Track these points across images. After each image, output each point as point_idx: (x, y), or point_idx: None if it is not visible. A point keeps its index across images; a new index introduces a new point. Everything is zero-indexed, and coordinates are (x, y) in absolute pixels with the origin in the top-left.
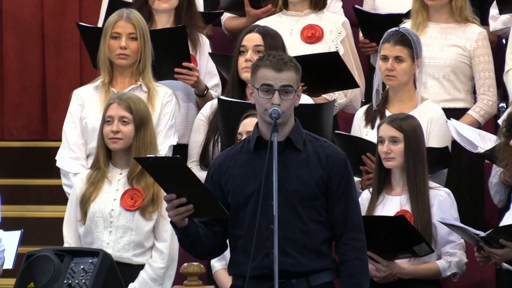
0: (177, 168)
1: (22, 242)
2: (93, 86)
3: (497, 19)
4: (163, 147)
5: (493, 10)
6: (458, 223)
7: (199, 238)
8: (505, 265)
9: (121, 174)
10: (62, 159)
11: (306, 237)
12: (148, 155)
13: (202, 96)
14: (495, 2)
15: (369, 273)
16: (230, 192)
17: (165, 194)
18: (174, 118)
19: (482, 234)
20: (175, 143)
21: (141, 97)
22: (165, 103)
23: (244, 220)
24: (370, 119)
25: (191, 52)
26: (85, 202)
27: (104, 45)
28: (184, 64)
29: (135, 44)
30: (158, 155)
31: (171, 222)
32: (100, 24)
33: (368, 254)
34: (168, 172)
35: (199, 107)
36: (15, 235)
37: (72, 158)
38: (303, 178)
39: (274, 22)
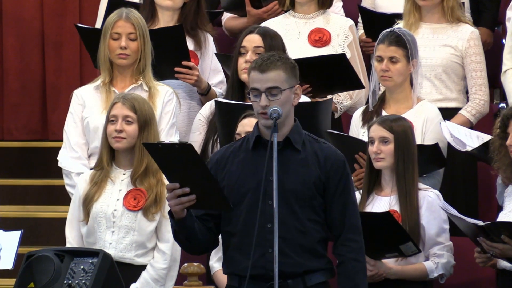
0: (187, 156)
1: (22, 242)
2: (94, 86)
3: None
4: None
5: (510, 12)
6: (457, 214)
7: (194, 232)
8: (501, 264)
9: (124, 174)
10: (63, 159)
11: (302, 236)
12: (158, 141)
13: (204, 94)
14: (511, 4)
15: (366, 274)
16: (226, 188)
17: (167, 183)
18: (175, 116)
19: (480, 223)
20: (177, 141)
21: (143, 96)
22: (166, 102)
23: (239, 217)
24: (367, 120)
25: (196, 52)
26: (88, 202)
27: (104, 45)
28: (184, 63)
29: (135, 44)
30: (169, 141)
31: (169, 213)
32: (98, 24)
33: None
34: (176, 159)
35: (203, 105)
36: (15, 235)
37: (74, 157)
38: (301, 178)
39: (281, 23)
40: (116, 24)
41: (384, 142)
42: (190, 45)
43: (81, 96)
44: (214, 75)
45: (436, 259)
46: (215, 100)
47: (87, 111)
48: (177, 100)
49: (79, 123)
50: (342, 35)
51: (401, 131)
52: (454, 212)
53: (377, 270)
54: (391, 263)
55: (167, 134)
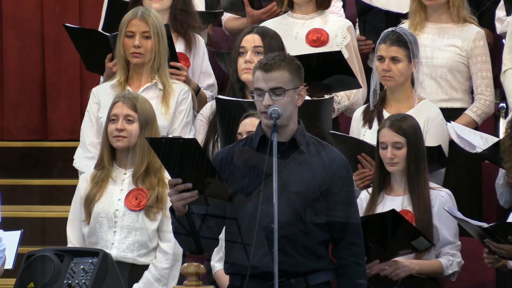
0: (191, 151)
1: (22, 242)
2: (110, 84)
3: (504, 21)
4: None
5: (499, 12)
6: (462, 217)
7: (194, 229)
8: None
9: (125, 174)
10: (78, 159)
11: (305, 238)
12: (161, 136)
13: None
14: (500, 3)
15: (366, 277)
16: (230, 188)
17: (170, 178)
18: (191, 115)
19: (485, 225)
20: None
21: (156, 95)
22: (180, 101)
23: (244, 218)
24: (367, 119)
25: (186, 53)
26: (89, 202)
27: (119, 44)
28: (172, 63)
29: (149, 42)
30: (172, 136)
31: (171, 209)
32: (101, 25)
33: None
34: (179, 154)
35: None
36: (15, 235)
37: (88, 158)
38: (306, 180)
39: (279, 24)
40: (130, 23)
41: (397, 147)
42: (181, 46)
43: (98, 95)
44: (205, 78)
45: (451, 258)
46: (215, 97)
47: (102, 111)
48: (193, 99)
49: (95, 123)
50: (340, 35)
51: (412, 132)
52: (459, 215)
53: (394, 268)
54: (407, 260)
55: (180, 133)
